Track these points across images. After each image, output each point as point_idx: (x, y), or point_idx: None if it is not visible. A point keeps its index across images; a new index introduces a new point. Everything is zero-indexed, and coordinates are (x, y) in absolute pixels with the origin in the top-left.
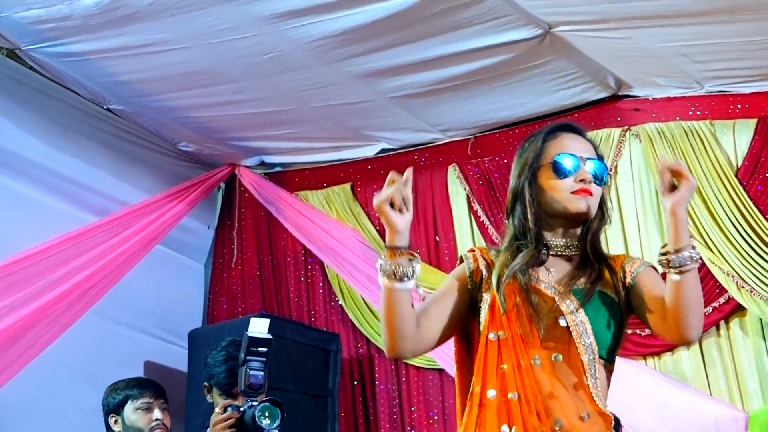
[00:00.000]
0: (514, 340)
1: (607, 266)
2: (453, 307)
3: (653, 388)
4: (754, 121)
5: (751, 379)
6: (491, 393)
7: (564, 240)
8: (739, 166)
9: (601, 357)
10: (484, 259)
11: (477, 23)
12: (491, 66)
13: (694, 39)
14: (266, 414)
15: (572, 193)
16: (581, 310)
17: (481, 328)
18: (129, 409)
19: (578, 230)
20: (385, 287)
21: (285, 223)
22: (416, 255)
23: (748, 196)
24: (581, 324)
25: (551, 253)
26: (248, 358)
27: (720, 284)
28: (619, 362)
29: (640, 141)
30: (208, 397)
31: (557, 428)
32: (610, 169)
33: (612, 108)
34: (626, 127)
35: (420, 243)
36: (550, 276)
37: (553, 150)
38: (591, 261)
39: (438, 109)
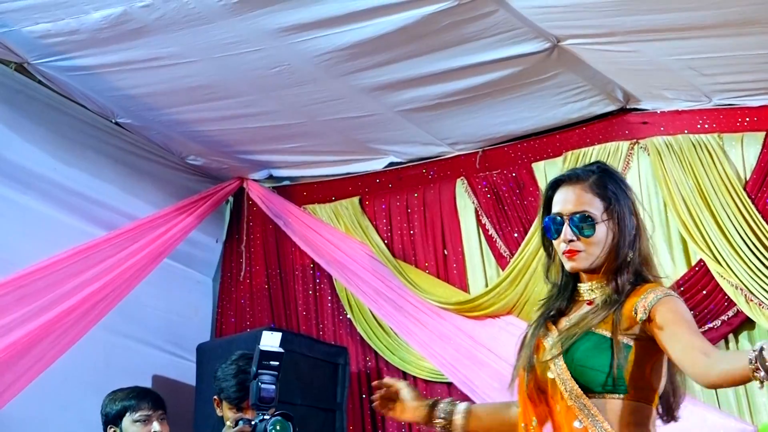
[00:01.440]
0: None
1: (618, 302)
2: None
3: None
4: (762, 134)
5: (759, 392)
6: None
7: (587, 284)
8: (748, 179)
9: (597, 392)
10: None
11: (485, 37)
12: (499, 79)
13: (703, 52)
14: (278, 428)
15: (563, 253)
16: (560, 358)
17: None
18: (127, 420)
19: (602, 275)
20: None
21: (293, 237)
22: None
23: (757, 209)
24: (561, 371)
25: (578, 298)
26: (260, 371)
27: (728, 297)
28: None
29: (649, 154)
30: (218, 410)
31: None
32: None
33: (620, 121)
34: (634, 141)
35: (428, 256)
36: (566, 324)
37: (549, 209)
38: (607, 302)
39: (446, 123)
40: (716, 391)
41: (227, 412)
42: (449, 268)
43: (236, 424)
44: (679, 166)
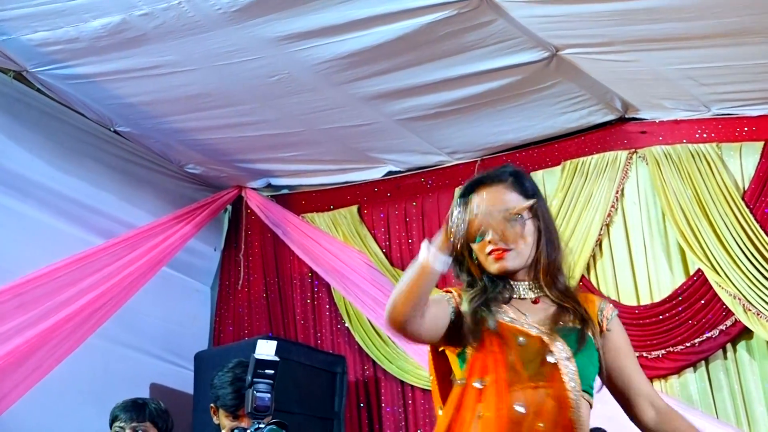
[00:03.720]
0: (498, 386)
1: (578, 306)
2: (443, 318)
3: None
4: (761, 144)
5: (757, 402)
6: None
7: (522, 283)
8: (746, 189)
9: (584, 391)
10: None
11: (484, 46)
12: (498, 89)
13: (701, 62)
14: None
15: (488, 254)
16: (564, 345)
17: (463, 371)
18: (112, 429)
19: (530, 276)
20: (427, 263)
21: (291, 246)
22: None
23: (755, 219)
24: (565, 359)
25: (515, 296)
26: (255, 380)
27: (726, 307)
28: None
29: (647, 164)
30: (215, 418)
31: None
32: (617, 192)
33: (619, 131)
34: (633, 150)
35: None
36: (526, 317)
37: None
38: (561, 304)
39: (445, 132)
40: (714, 401)
41: (224, 420)
42: (448, 276)
43: None
44: (677, 176)
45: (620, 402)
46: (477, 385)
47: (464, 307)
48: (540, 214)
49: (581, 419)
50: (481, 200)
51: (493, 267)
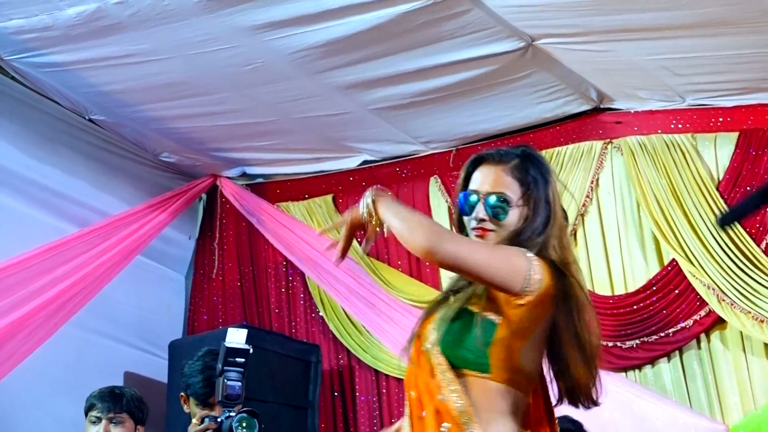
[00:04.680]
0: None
1: None
2: None
3: (633, 401)
4: (735, 134)
5: (731, 392)
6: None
7: None
8: (721, 179)
9: (458, 367)
10: None
11: (459, 35)
12: (473, 78)
13: (676, 52)
14: (243, 425)
15: (473, 229)
16: (434, 331)
17: None
18: (87, 418)
19: None
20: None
21: (266, 235)
22: None
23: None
24: (433, 346)
25: None
26: (225, 368)
27: (701, 297)
28: (600, 375)
29: (622, 154)
30: (185, 407)
31: None
32: (592, 182)
33: (594, 121)
34: (608, 140)
35: (401, 254)
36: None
37: (468, 184)
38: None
39: (420, 121)
40: (688, 391)
41: (194, 409)
42: (422, 266)
43: (202, 422)
44: (652, 166)
45: None
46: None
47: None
48: (532, 203)
49: (458, 399)
50: (482, 175)
51: None
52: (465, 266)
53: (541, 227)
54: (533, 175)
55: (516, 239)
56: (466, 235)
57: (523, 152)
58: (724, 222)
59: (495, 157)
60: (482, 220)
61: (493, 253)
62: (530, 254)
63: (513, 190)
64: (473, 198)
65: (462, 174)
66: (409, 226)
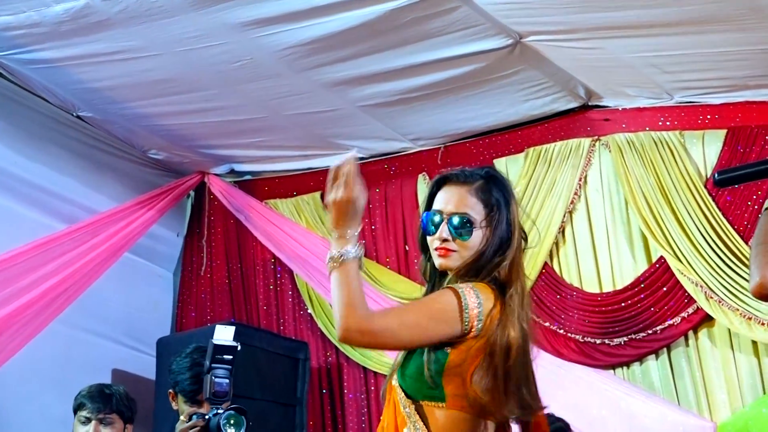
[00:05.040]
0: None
1: None
2: None
3: (621, 398)
4: (723, 131)
5: (719, 389)
6: None
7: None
8: (709, 176)
9: (418, 400)
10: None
11: (447, 32)
12: (461, 75)
13: (665, 50)
14: (231, 422)
15: (436, 249)
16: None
17: None
18: (76, 417)
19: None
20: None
21: (254, 232)
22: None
23: (717, 207)
24: (396, 380)
25: None
26: (213, 365)
27: (688, 294)
28: (588, 372)
29: (610, 151)
30: (173, 404)
31: None
32: (580, 179)
33: (582, 118)
34: (596, 137)
35: (390, 251)
36: None
37: (432, 204)
38: None
39: (408, 118)
40: (676, 388)
41: (182, 406)
42: (410, 263)
43: (190, 419)
44: (640, 163)
45: None
46: None
47: None
48: (494, 224)
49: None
50: (447, 194)
51: (436, 261)
52: (397, 343)
53: (501, 250)
54: (496, 197)
55: (478, 261)
56: (429, 257)
57: (488, 173)
58: (722, 182)
59: (460, 177)
60: (445, 240)
61: (420, 320)
62: (462, 286)
63: (477, 211)
64: (437, 218)
65: (426, 192)
66: (336, 307)
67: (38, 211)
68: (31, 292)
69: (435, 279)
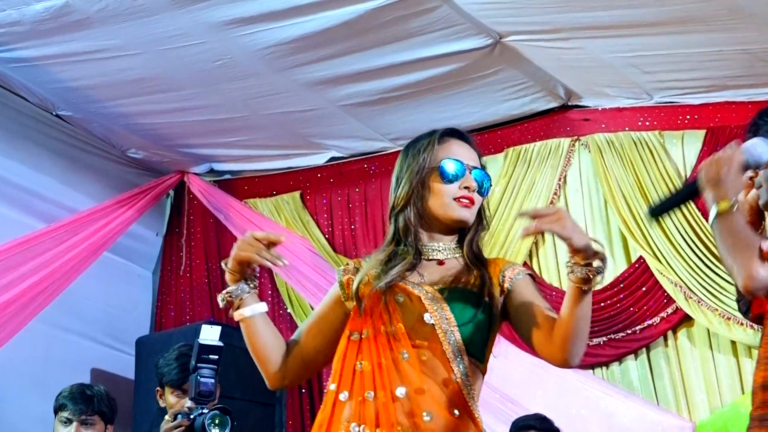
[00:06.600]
0: (377, 339)
1: (484, 270)
2: (329, 322)
3: (601, 398)
4: (702, 132)
5: (698, 389)
6: (343, 395)
7: (436, 244)
8: (688, 176)
9: (470, 354)
10: (356, 268)
11: (427, 32)
12: (441, 75)
13: (644, 50)
14: (216, 422)
15: (455, 199)
16: (446, 306)
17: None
18: (57, 418)
19: (452, 236)
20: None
21: (234, 231)
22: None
23: (696, 207)
24: (445, 320)
25: (423, 257)
26: (199, 365)
27: (668, 294)
28: (567, 372)
29: (590, 151)
30: (161, 401)
31: (427, 419)
32: (559, 179)
33: (562, 118)
34: (576, 137)
35: (369, 251)
36: (422, 279)
37: (441, 154)
38: (468, 266)
39: (388, 118)
40: (655, 388)
41: (170, 398)
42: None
43: (175, 418)
44: (619, 163)
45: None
46: (354, 336)
47: (359, 275)
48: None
49: (469, 381)
50: (460, 149)
51: (456, 213)
52: None
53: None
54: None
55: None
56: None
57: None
58: (654, 213)
59: (467, 138)
60: (468, 189)
61: None
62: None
63: None
64: (461, 165)
65: (435, 138)
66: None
67: (17, 210)
68: (10, 291)
69: (415, 235)
